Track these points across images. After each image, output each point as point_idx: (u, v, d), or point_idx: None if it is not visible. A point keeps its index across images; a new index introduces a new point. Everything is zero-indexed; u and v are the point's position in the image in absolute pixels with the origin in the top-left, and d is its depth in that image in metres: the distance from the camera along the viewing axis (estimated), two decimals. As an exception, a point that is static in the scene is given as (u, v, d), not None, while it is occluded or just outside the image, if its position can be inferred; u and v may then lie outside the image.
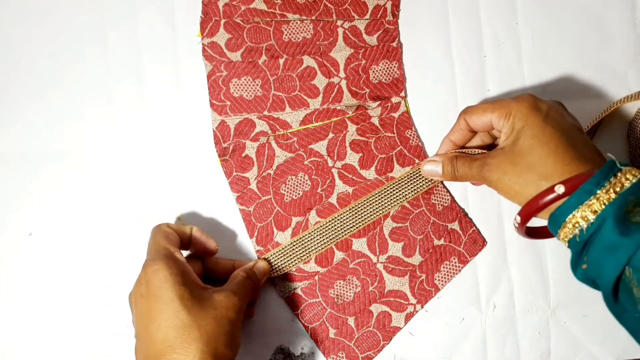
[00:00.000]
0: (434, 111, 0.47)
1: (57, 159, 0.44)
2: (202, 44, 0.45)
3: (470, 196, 0.46)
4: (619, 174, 0.32)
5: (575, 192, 0.33)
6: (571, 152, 0.35)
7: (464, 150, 0.42)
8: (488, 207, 0.46)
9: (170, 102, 0.45)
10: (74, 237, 0.44)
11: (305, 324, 0.44)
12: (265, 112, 0.45)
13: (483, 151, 0.41)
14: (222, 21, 0.45)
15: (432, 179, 0.45)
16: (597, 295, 0.47)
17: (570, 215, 0.33)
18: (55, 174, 0.44)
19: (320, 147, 0.45)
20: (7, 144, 0.44)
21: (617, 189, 0.32)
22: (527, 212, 0.36)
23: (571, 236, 0.33)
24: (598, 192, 0.32)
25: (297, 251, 0.44)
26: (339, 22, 0.46)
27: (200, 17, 0.45)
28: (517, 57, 0.47)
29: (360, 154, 0.45)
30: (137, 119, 0.45)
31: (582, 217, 0.32)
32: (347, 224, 0.45)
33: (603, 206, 0.32)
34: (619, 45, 0.48)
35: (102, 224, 0.44)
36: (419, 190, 0.45)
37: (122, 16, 0.45)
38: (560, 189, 0.34)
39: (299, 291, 0.44)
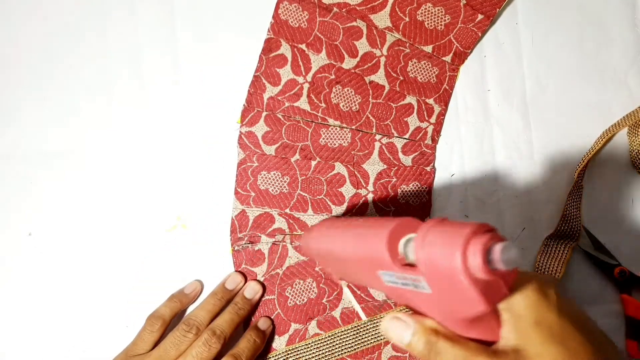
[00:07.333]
0: (434, 111, 0.47)
1: (57, 159, 0.44)
2: (240, 131, 0.45)
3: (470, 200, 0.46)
4: None
5: None
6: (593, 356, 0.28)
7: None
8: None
9: (170, 102, 0.45)
10: (74, 237, 0.44)
11: None
12: (287, 210, 0.44)
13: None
14: (264, 114, 0.44)
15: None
16: (596, 296, 0.46)
17: None
18: (55, 174, 0.44)
19: None
20: (7, 144, 0.44)
21: None
22: None
23: None
24: None
25: None
26: (377, 137, 0.45)
27: (244, 105, 0.45)
28: (517, 57, 0.47)
29: None
30: (137, 119, 0.45)
31: None
32: (347, 343, 0.43)
33: None
34: (619, 45, 0.48)
35: (102, 224, 0.44)
36: None
37: (121, 15, 0.45)
38: None
39: None
